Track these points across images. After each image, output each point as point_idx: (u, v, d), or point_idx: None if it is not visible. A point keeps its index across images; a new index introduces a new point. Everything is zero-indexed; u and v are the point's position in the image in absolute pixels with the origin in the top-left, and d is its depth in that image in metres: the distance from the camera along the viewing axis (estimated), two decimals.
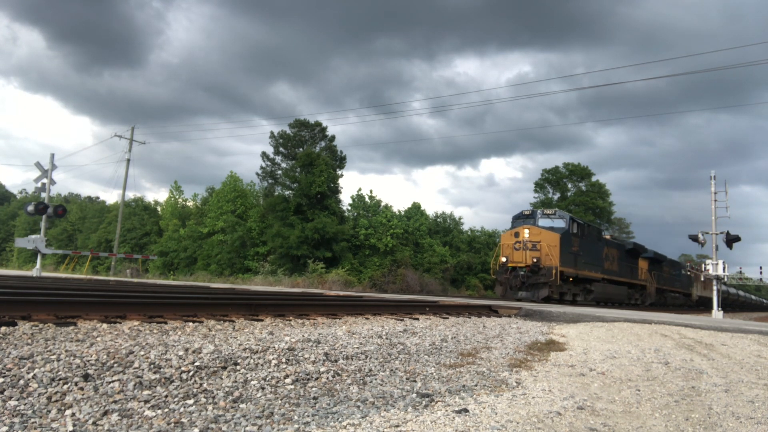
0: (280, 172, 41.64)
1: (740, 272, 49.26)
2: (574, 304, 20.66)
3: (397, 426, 2.82)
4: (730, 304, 47.98)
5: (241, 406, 3.02)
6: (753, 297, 69.32)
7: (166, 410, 2.80)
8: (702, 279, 43.52)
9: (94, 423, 2.52)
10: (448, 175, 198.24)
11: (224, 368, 3.61)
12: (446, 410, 3.16)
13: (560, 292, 20.78)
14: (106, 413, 2.64)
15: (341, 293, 15.10)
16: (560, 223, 21.54)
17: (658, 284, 33.36)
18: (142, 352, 3.56)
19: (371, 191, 51.51)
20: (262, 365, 3.82)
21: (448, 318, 8.80)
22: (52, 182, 22.14)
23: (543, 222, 21.61)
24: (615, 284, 26.11)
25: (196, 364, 3.52)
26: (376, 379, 3.97)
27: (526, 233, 20.78)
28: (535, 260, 20.08)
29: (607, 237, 28.19)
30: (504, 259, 21.06)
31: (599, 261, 24.45)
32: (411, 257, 37.91)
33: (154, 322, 5.16)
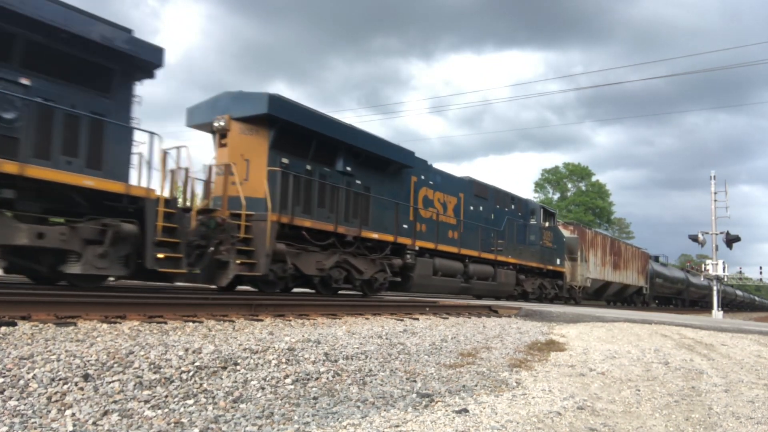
0: None
1: (740, 272, 48.94)
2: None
3: (397, 426, 2.82)
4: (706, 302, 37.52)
5: (241, 406, 3.02)
6: (739, 292, 61.20)
7: (166, 410, 2.80)
8: (598, 250, 23.52)
9: (94, 423, 2.52)
10: None
11: (224, 368, 3.61)
12: (446, 410, 3.16)
13: None
14: (106, 413, 2.64)
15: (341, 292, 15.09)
16: None
17: (394, 233, 12.07)
18: (142, 352, 3.56)
19: None
20: (262, 365, 3.82)
21: (447, 318, 8.80)
22: None
23: None
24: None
25: (196, 364, 3.52)
26: (376, 379, 3.97)
27: None
28: None
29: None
30: None
31: None
32: None
33: (154, 322, 5.15)
